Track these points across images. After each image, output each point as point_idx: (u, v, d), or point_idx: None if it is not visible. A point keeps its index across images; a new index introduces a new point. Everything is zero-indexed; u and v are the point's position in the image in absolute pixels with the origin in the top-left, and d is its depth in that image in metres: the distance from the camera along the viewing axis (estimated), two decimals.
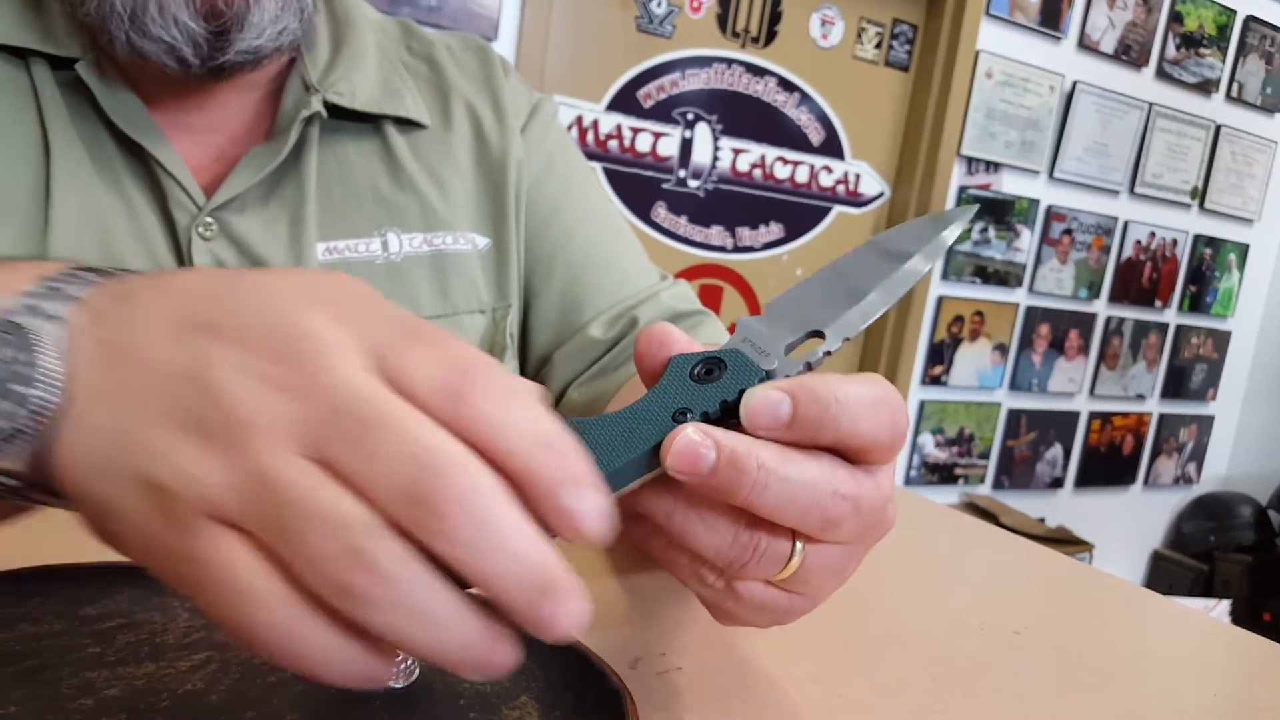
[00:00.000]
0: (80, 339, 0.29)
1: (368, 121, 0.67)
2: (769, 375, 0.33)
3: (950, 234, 0.39)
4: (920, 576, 0.66)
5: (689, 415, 0.32)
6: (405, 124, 0.69)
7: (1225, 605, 3.00)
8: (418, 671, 0.39)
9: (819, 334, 0.35)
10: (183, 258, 0.60)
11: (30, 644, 0.38)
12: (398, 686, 0.38)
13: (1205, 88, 3.16)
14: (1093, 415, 3.27)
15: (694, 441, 0.30)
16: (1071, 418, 3.23)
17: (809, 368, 0.34)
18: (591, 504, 0.26)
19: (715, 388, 0.32)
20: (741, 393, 0.32)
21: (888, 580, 0.62)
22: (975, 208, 0.42)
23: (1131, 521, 3.52)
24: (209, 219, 0.60)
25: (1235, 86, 3.24)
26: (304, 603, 0.25)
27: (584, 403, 0.71)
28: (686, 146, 2.43)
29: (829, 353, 0.35)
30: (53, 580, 0.42)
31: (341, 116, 0.66)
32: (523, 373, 0.75)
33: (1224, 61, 3.20)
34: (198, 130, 0.62)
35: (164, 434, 0.27)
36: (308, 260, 0.63)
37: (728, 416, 0.32)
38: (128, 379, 0.28)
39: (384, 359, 0.27)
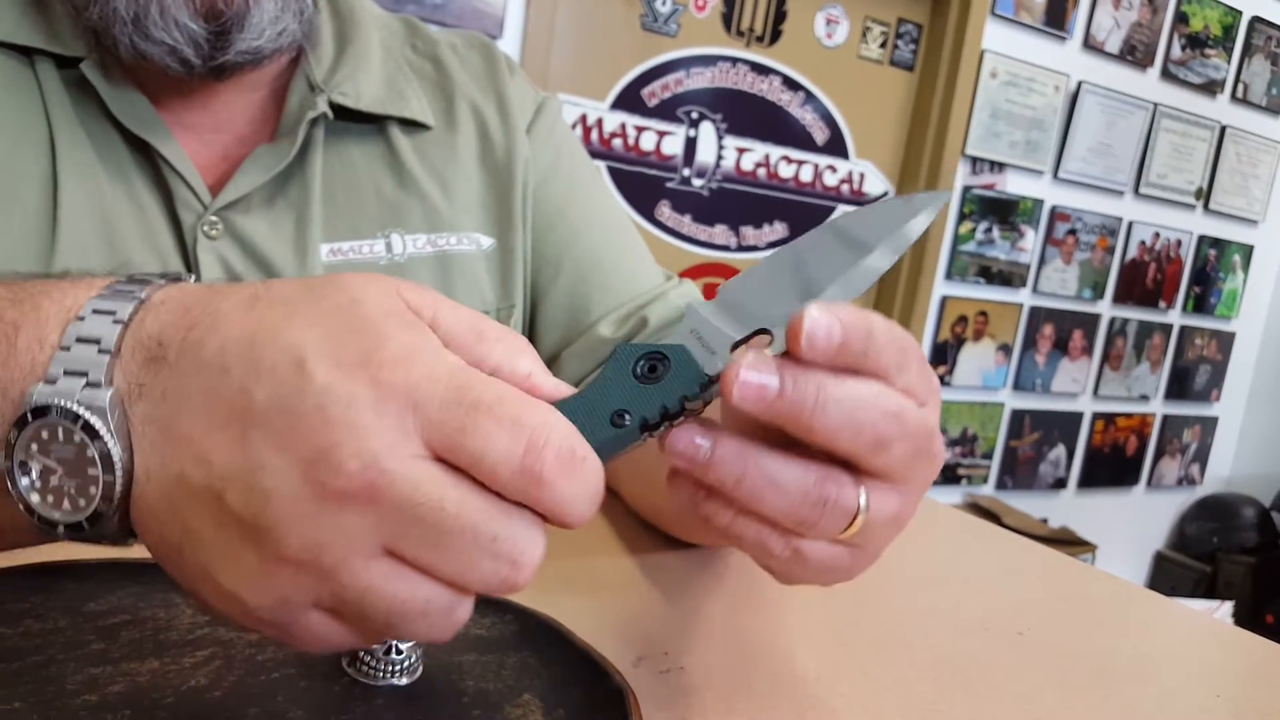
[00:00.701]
0: (128, 416, 0.31)
1: (372, 122, 0.67)
2: (711, 381, 0.33)
3: (918, 225, 0.37)
4: (923, 576, 0.66)
5: (627, 418, 0.32)
6: (410, 125, 0.69)
7: (1228, 607, 2.99)
8: (421, 669, 0.39)
9: (767, 331, 0.35)
10: (188, 256, 0.60)
11: (34, 640, 0.38)
12: (401, 684, 0.38)
13: (1210, 88, 3.16)
14: (1096, 416, 3.27)
15: (755, 377, 0.31)
16: (1075, 418, 3.22)
17: None
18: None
19: (656, 390, 0.32)
20: (684, 400, 0.32)
21: (891, 580, 0.62)
22: (949, 195, 0.40)
23: (1134, 522, 3.51)
24: (214, 218, 0.60)
25: (1240, 87, 3.24)
26: None
27: None
28: (691, 145, 2.43)
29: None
30: (57, 576, 0.42)
31: (346, 117, 0.66)
32: None
33: (1229, 62, 3.19)
34: (204, 130, 0.63)
35: (228, 544, 0.29)
36: (312, 261, 0.63)
37: (666, 421, 0.32)
38: (184, 471, 0.30)
39: (446, 443, 0.28)
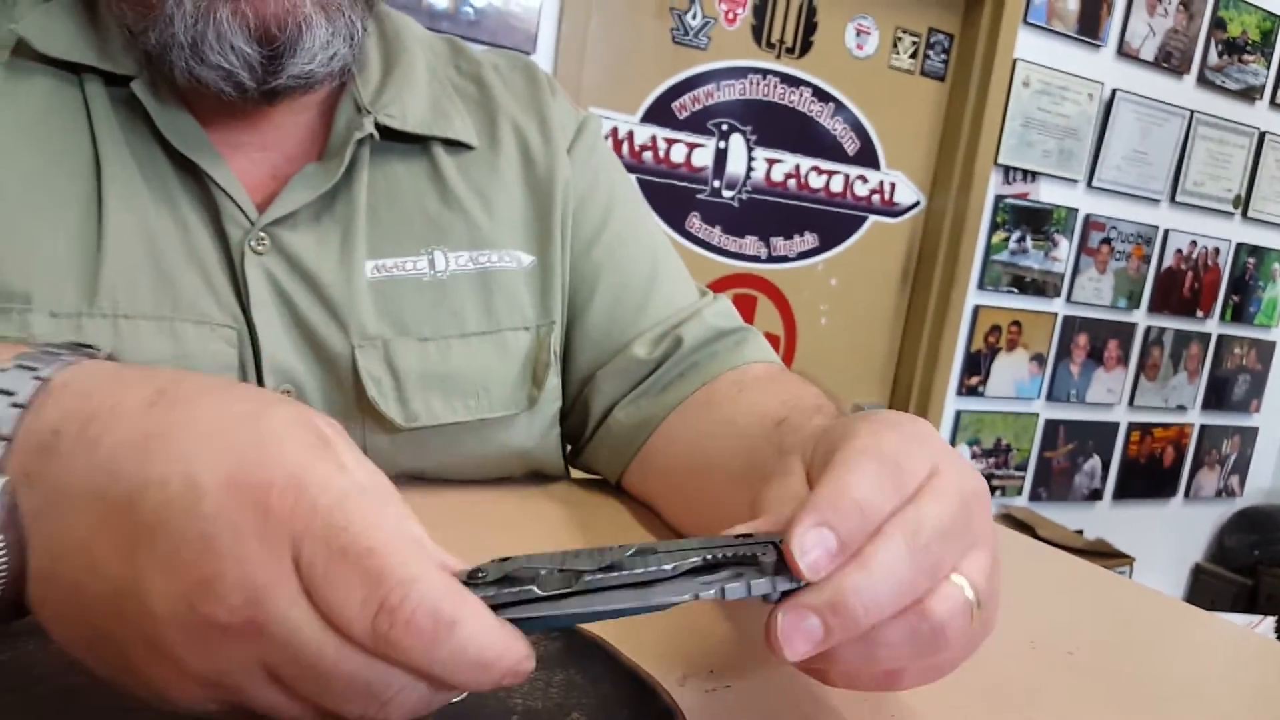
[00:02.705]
0: (19, 506, 0.31)
1: (417, 142, 0.68)
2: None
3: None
4: None
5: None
6: (453, 144, 0.70)
7: (1270, 622, 2.93)
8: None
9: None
10: (235, 272, 0.61)
11: (67, 659, 0.38)
12: (450, 700, 0.38)
13: (1249, 94, 3.12)
14: (1132, 426, 3.23)
15: (793, 625, 0.32)
16: (1110, 429, 3.18)
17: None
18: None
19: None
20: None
21: None
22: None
23: (1172, 534, 3.46)
24: (262, 234, 0.61)
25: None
26: None
27: (631, 425, 0.71)
28: (721, 157, 2.43)
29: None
30: None
31: (392, 137, 0.66)
32: (565, 391, 0.75)
33: (1268, 68, 3.15)
34: (252, 149, 0.64)
35: (142, 647, 0.29)
36: (358, 277, 0.64)
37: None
38: (79, 580, 0.30)
39: (310, 585, 0.28)
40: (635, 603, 0.32)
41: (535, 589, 0.31)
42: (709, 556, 0.33)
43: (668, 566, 0.32)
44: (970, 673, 0.40)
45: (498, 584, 0.31)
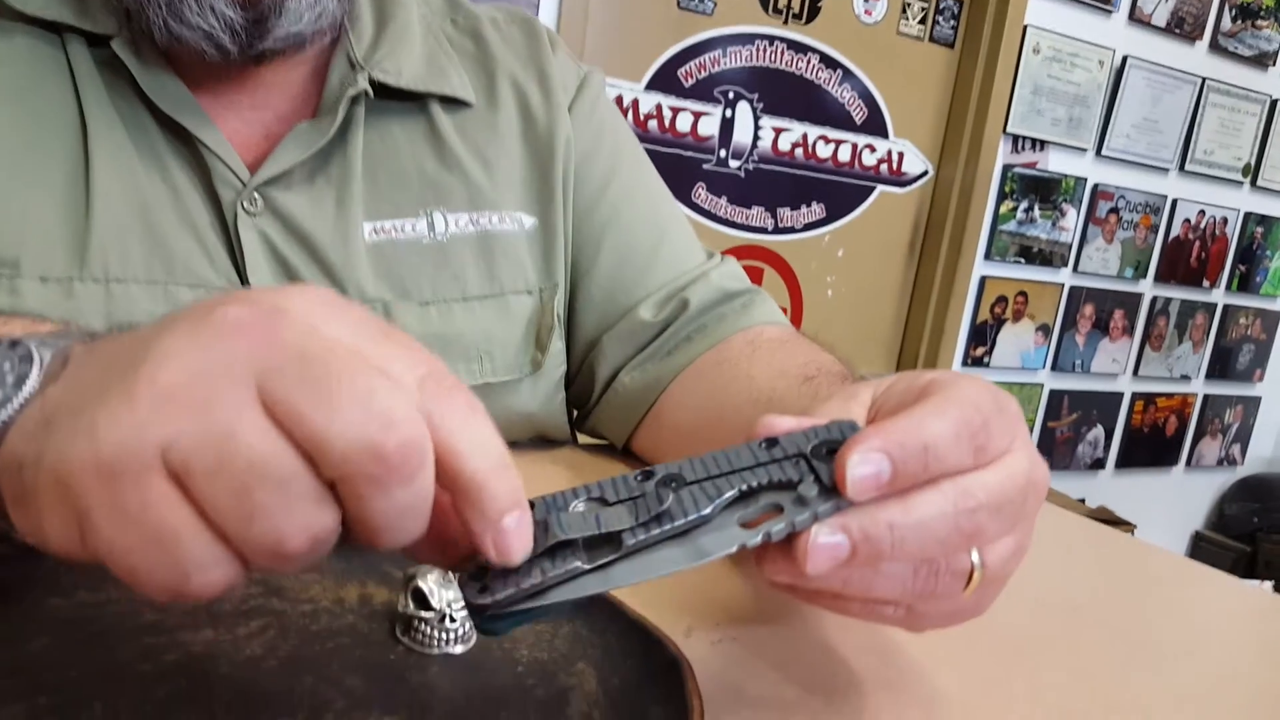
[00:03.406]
0: (68, 358, 0.30)
1: (413, 100, 0.67)
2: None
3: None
4: None
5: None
6: (451, 102, 0.68)
7: (1268, 586, 2.95)
8: (475, 638, 0.39)
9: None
10: (229, 234, 0.60)
11: (88, 611, 0.38)
12: (456, 652, 0.38)
13: (1261, 60, 3.08)
14: (1136, 396, 3.22)
15: (825, 544, 0.31)
16: (1114, 399, 3.18)
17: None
18: (525, 529, 0.29)
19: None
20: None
21: None
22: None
23: (1173, 503, 3.46)
24: (255, 194, 0.60)
25: None
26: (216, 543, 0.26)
27: (637, 389, 0.70)
28: (727, 126, 2.41)
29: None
30: None
31: (387, 95, 0.65)
32: (570, 355, 0.74)
33: None
34: (242, 108, 0.62)
35: (111, 396, 0.27)
36: (355, 239, 0.63)
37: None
38: (91, 364, 0.29)
39: (356, 343, 0.27)
40: (683, 563, 0.31)
41: (580, 563, 0.30)
42: (745, 487, 0.32)
43: (706, 509, 0.31)
44: (975, 626, 0.40)
45: (534, 558, 0.30)
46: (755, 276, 2.53)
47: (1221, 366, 3.39)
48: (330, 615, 0.41)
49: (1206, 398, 3.41)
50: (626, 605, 0.40)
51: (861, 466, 0.31)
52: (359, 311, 0.29)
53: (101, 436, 0.26)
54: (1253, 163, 3.19)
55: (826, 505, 0.32)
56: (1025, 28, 2.59)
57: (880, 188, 2.65)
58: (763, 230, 2.54)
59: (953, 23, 2.62)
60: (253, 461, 0.25)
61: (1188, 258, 3.16)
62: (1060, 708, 0.43)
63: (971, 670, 0.45)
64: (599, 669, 0.38)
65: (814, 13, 2.44)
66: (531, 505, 0.32)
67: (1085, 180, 2.86)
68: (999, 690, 0.44)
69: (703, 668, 0.39)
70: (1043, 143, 2.75)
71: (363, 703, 0.34)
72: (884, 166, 2.64)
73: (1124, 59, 2.80)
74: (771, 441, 0.34)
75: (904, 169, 2.67)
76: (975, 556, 0.35)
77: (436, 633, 0.38)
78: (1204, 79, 2.97)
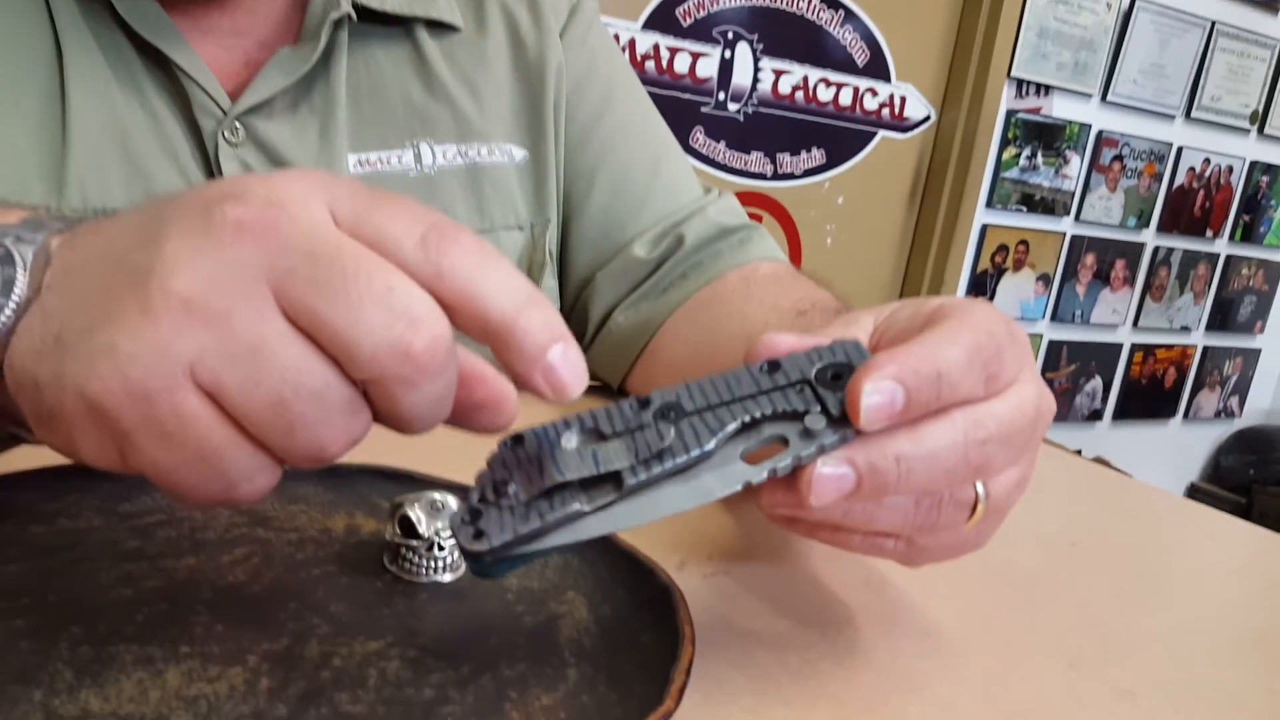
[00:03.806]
0: (50, 255, 0.29)
1: (398, 24, 0.65)
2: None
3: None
4: None
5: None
6: (438, 27, 0.66)
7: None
8: (464, 566, 0.38)
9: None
10: (210, 164, 0.58)
11: (69, 538, 0.38)
12: (444, 580, 0.38)
13: (1271, 4, 3.02)
14: (1135, 347, 3.21)
15: (830, 475, 0.30)
16: (1114, 350, 3.17)
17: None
18: (575, 360, 0.28)
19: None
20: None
21: None
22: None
23: (1169, 454, 3.47)
24: (236, 123, 0.58)
25: None
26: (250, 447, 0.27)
27: (632, 327, 0.69)
28: (726, 68, 2.37)
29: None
30: (91, 477, 0.42)
31: (371, 19, 0.63)
32: (563, 293, 0.73)
33: None
34: (222, 34, 0.60)
35: (127, 311, 0.26)
36: (339, 171, 0.61)
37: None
38: (86, 270, 0.28)
39: (355, 218, 0.27)
40: (686, 503, 0.30)
41: (580, 505, 0.29)
42: (747, 418, 0.31)
43: (709, 445, 0.30)
44: (971, 561, 0.39)
45: (531, 501, 0.29)
46: None
47: (1222, 318, 3.38)
48: (316, 545, 0.40)
49: (1206, 349, 3.40)
50: (619, 537, 0.40)
51: (874, 396, 0.30)
52: (347, 185, 0.28)
53: (125, 357, 0.25)
54: (1260, 110, 3.15)
55: (834, 438, 0.30)
56: None
57: (881, 133, 2.61)
58: (761, 176, 2.50)
59: None
60: (286, 374, 0.26)
61: (1191, 207, 3.13)
62: (1057, 640, 0.43)
63: (967, 604, 0.45)
64: (590, 598, 0.37)
65: None
66: (522, 438, 0.31)
67: (1090, 127, 2.82)
68: (995, 624, 0.44)
69: (695, 600, 0.39)
70: (1047, 88, 2.71)
71: (347, 629, 0.34)
72: (885, 111, 2.60)
73: (1132, 1, 2.75)
74: (773, 365, 0.33)
75: (906, 114, 2.63)
76: (980, 488, 0.34)
77: (424, 561, 0.38)
78: (1213, 22, 2.92)
